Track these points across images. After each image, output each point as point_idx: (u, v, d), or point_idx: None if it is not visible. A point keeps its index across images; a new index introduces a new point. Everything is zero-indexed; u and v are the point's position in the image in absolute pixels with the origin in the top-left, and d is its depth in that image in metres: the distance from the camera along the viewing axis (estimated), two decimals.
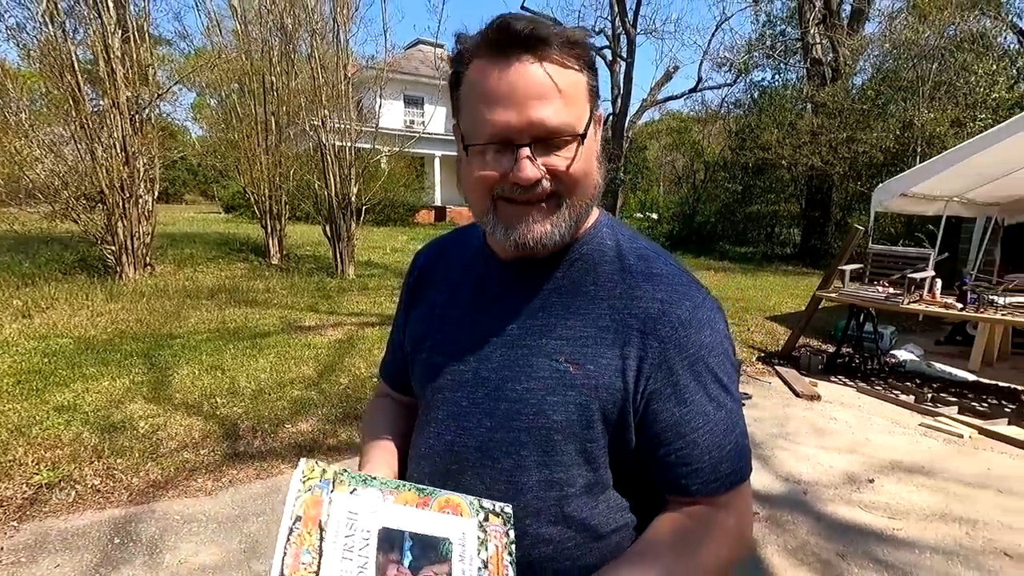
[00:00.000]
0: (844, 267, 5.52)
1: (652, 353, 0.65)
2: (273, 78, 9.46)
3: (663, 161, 28.10)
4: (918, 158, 10.47)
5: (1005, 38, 15.04)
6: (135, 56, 7.32)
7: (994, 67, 11.90)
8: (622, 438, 0.68)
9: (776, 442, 3.66)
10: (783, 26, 17.15)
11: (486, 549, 0.60)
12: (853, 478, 3.20)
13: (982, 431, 3.84)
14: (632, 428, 0.67)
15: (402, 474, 0.83)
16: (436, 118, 20.91)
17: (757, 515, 2.79)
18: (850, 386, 4.86)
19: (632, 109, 20.28)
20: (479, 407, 0.71)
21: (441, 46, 17.84)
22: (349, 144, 8.60)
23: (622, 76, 19.70)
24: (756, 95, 17.52)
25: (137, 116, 7.42)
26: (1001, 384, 4.90)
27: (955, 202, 6.52)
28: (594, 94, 0.66)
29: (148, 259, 7.74)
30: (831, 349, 5.58)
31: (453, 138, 0.69)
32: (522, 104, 0.60)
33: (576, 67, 0.63)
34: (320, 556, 0.52)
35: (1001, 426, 3.91)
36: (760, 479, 3.16)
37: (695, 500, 0.68)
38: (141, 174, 7.41)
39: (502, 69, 0.60)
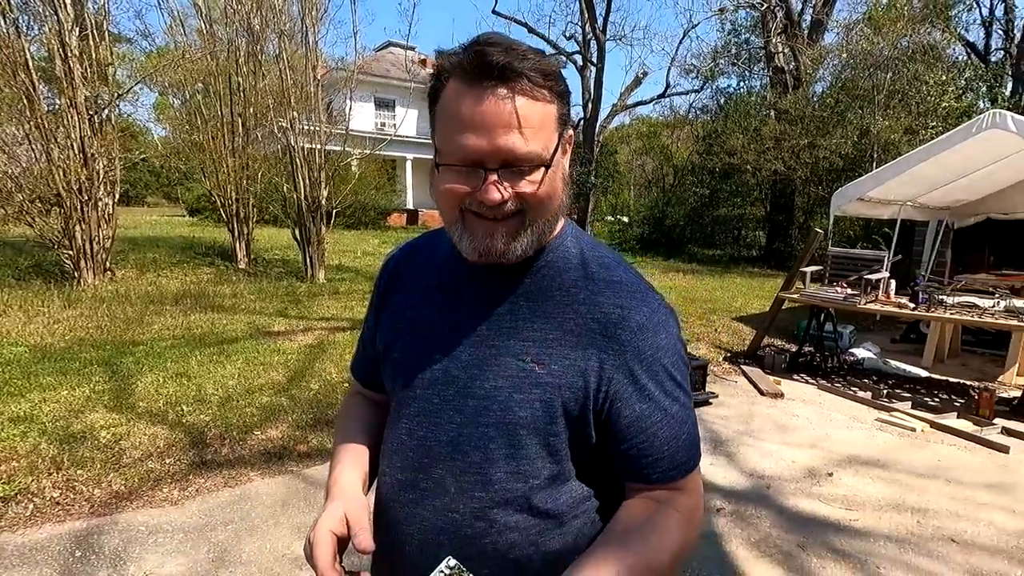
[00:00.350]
0: (805, 269, 5.72)
1: (613, 355, 0.71)
2: (240, 79, 9.28)
3: (633, 165, 28.50)
4: (874, 164, 10.89)
5: (954, 50, 15.81)
6: (94, 54, 7.09)
7: (944, 77, 12.48)
8: (583, 433, 0.73)
9: (742, 439, 3.78)
10: (747, 35, 17.65)
11: None
12: (813, 472, 3.32)
13: (933, 424, 4.03)
14: (592, 424, 0.72)
15: (374, 470, 0.86)
16: (407, 121, 20.77)
17: (723, 510, 2.87)
18: (811, 384, 5.03)
19: (603, 114, 20.55)
20: (449, 404, 0.74)
21: (412, 48, 17.79)
22: (319, 146, 8.50)
23: (592, 81, 19.95)
24: (722, 101, 17.97)
25: (96, 116, 7.19)
26: (951, 380, 5.15)
27: (909, 206, 6.81)
28: (563, 121, 0.70)
29: (108, 264, 7.49)
30: (794, 348, 5.77)
31: (426, 141, 0.76)
32: (493, 133, 0.64)
33: (547, 99, 0.67)
34: None
35: (950, 419, 4.11)
36: (726, 475, 3.26)
37: (654, 487, 0.73)
38: (101, 176, 7.18)
39: (476, 97, 0.64)
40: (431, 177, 0.77)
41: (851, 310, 5.23)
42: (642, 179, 26.32)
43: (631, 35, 39.63)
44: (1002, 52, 17.39)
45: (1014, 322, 4.37)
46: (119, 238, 8.43)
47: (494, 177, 0.65)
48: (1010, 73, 16.47)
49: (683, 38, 34.90)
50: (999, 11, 17.64)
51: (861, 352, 5.80)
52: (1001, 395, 4.51)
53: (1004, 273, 6.92)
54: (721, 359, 5.67)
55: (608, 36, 19.81)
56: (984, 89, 14.15)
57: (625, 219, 20.65)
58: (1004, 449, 3.63)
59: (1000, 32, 17.89)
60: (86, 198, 6.94)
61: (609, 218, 23.06)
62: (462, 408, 0.73)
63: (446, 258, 0.81)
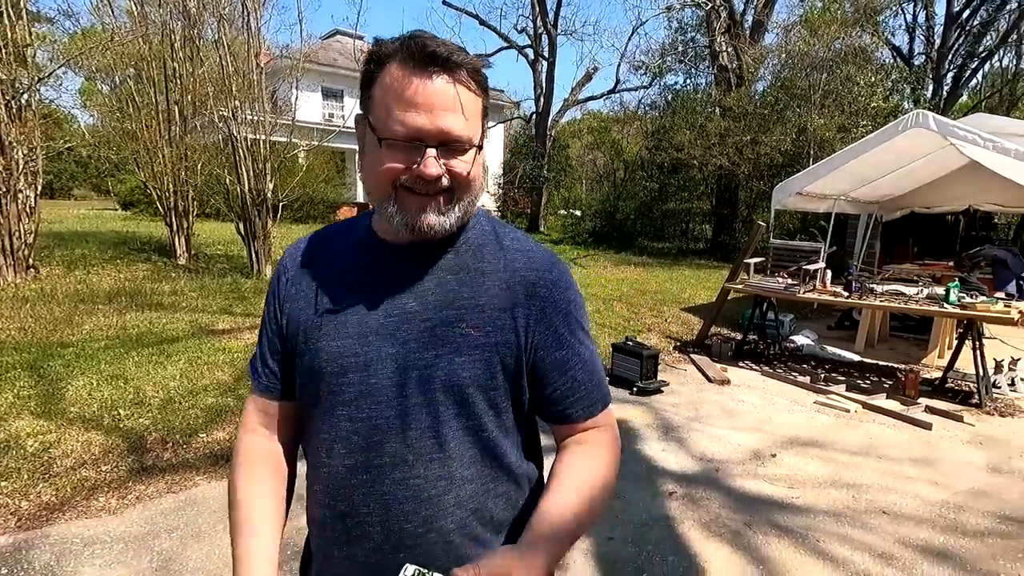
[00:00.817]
0: (749, 260, 5.96)
1: (535, 311, 0.81)
2: (176, 64, 8.79)
3: (585, 160, 28.88)
4: (811, 160, 11.45)
5: (882, 53, 16.77)
6: (10, 34, 6.55)
7: (873, 79, 13.24)
8: (519, 385, 0.82)
9: (692, 425, 3.91)
10: (693, 33, 18.11)
11: None
12: (758, 454, 3.48)
13: (865, 405, 4.30)
14: (524, 375, 0.82)
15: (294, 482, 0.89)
16: (357, 112, 20.29)
17: (675, 493, 2.97)
18: (756, 370, 5.26)
19: (555, 108, 20.71)
20: (391, 380, 0.77)
21: (361, 38, 17.31)
22: (263, 137, 8.17)
23: (544, 75, 20.05)
24: (669, 98, 18.40)
25: (14, 101, 6.65)
26: (881, 363, 5.50)
27: (842, 200, 7.20)
28: (485, 114, 0.79)
29: (31, 261, 6.97)
30: (739, 337, 6.01)
31: None
32: (435, 113, 0.71)
33: (478, 92, 0.75)
34: None
35: (880, 400, 4.39)
36: (678, 460, 3.37)
37: (578, 425, 0.85)
38: (21, 166, 6.65)
39: (422, 80, 0.70)
40: (359, 160, 0.80)
41: (791, 299, 5.50)
42: (594, 173, 26.71)
43: (582, 30, 40.13)
44: (924, 56, 18.59)
45: (935, 308, 4.70)
46: (43, 233, 7.86)
47: (434, 152, 0.72)
48: (931, 76, 17.65)
49: (632, 35, 35.63)
50: (921, 18, 18.85)
51: (800, 339, 6.11)
52: (924, 376, 4.85)
53: (926, 263, 7.44)
54: (671, 348, 5.85)
55: (559, 31, 19.95)
56: (908, 91, 15.10)
57: (578, 213, 20.93)
58: (927, 426, 3.90)
59: (922, 37, 19.12)
60: (4, 189, 6.42)
61: (562, 212, 23.30)
62: (405, 382, 0.77)
63: (362, 242, 0.85)
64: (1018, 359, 4.86)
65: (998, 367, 4.81)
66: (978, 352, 4.37)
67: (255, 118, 8.11)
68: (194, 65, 8.82)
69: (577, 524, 0.76)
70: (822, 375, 5.05)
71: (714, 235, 16.35)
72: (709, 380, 4.91)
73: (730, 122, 14.09)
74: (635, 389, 4.47)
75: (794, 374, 5.11)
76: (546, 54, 19.73)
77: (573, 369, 0.83)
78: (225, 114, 7.88)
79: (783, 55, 14.74)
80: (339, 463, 0.79)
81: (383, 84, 0.72)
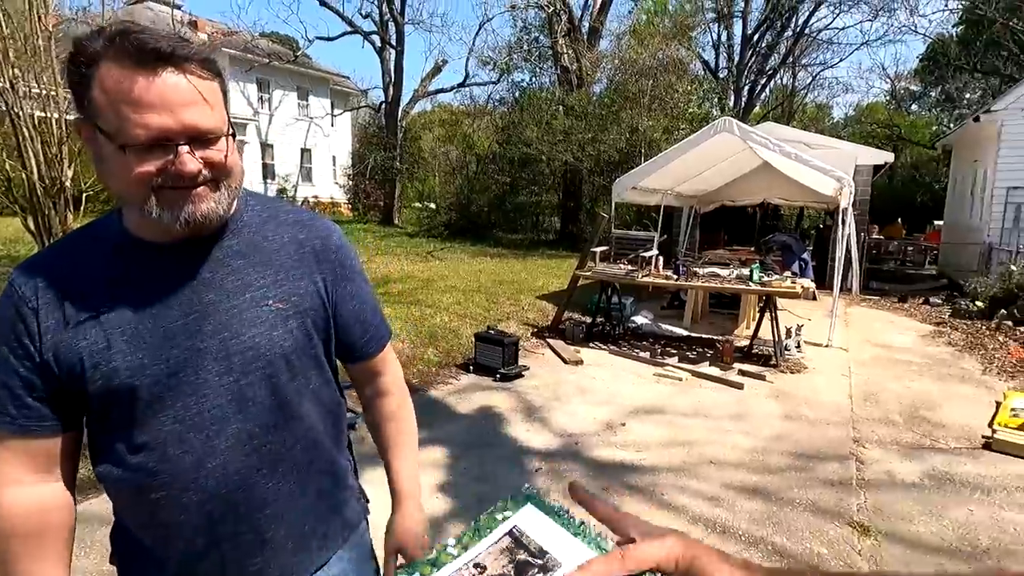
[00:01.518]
0: (594, 249, 6.48)
1: (329, 273, 0.90)
2: None
3: (438, 152, 28.81)
4: (643, 158, 12.72)
5: (695, 65, 19.13)
6: None
7: (689, 88, 15.07)
8: (329, 337, 0.92)
9: (552, 404, 4.17)
10: (537, 33, 18.98)
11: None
12: (610, 425, 3.84)
13: (694, 374, 4.94)
14: (332, 328, 0.92)
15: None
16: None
17: (540, 469, 3.16)
18: (604, 349, 5.76)
19: (405, 98, 20.34)
20: (210, 373, 0.78)
21: (178, 7, 15.35)
22: (55, 115, 6.87)
23: (393, 64, 19.57)
24: (517, 95, 19.12)
25: None
26: (704, 336, 6.35)
27: (669, 195, 8.13)
28: (226, 96, 0.79)
29: None
30: (589, 320, 6.51)
31: None
32: (176, 111, 0.69)
33: (212, 76, 0.74)
34: None
35: (705, 367, 5.08)
36: (541, 438, 3.58)
37: (375, 358, 1.01)
38: None
39: (148, 79, 0.68)
40: (97, 165, 0.75)
41: (631, 283, 6.10)
42: (447, 166, 26.78)
43: (430, 21, 39.74)
44: (727, 70, 21.62)
45: (742, 287, 5.56)
46: None
47: (187, 149, 0.71)
48: (732, 88, 20.58)
49: (479, 30, 36.01)
50: (724, 37, 21.88)
51: (640, 319, 6.80)
52: (737, 345, 5.71)
53: (734, 249, 8.73)
54: (529, 335, 6.15)
55: (406, 19, 19.58)
56: (716, 99, 17.46)
57: (432, 205, 20.83)
58: (740, 386, 4.62)
59: (725, 54, 22.21)
60: None
61: (417, 204, 23.04)
62: (229, 369, 0.79)
63: (123, 247, 0.79)
64: (801, 325, 5.93)
65: (788, 333, 5.83)
66: (773, 322, 5.26)
67: (43, 91, 6.79)
68: None
69: (416, 457, 1.04)
70: (659, 350, 5.70)
71: (562, 227, 17.40)
72: (564, 362, 5.26)
73: (573, 120, 15.06)
74: (498, 376, 4.64)
75: (636, 351, 5.69)
76: (393, 42, 19.26)
77: (366, 314, 0.96)
78: (1, 84, 6.49)
79: (616, 61, 16.11)
80: (177, 465, 0.77)
81: (104, 87, 0.68)
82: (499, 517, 0.56)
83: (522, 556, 0.52)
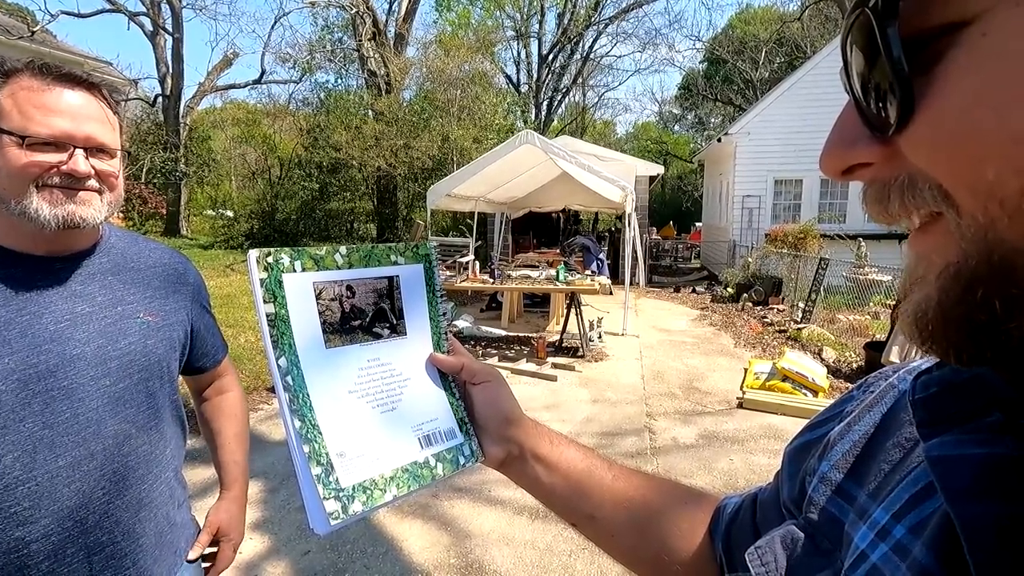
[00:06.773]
0: None
1: (188, 294, 1.01)
2: None
3: (233, 154, 25.95)
4: (455, 166, 13.05)
5: (499, 79, 20.25)
6: None
7: (495, 100, 15.89)
8: (184, 352, 1.03)
9: None
10: (341, 34, 18.28)
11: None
12: None
13: (513, 371, 5.22)
14: (188, 343, 1.03)
15: None
16: None
17: None
18: None
19: (188, 92, 17.96)
20: (86, 376, 0.82)
21: None
22: None
23: (170, 53, 17.15)
24: (323, 96, 18.18)
25: None
26: (520, 334, 6.74)
27: (482, 201, 8.47)
28: (123, 129, 0.90)
29: None
30: None
31: None
32: (81, 121, 0.79)
33: (113, 108, 0.86)
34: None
35: (522, 364, 5.40)
36: None
37: (216, 370, 1.13)
38: None
39: (61, 91, 0.78)
40: None
41: (451, 288, 6.21)
42: (245, 170, 24.26)
43: (214, 7, 35.64)
44: (527, 86, 23.29)
45: (551, 287, 6.04)
46: None
47: (83, 153, 0.78)
48: (533, 102, 22.24)
49: (274, 24, 33.41)
50: (523, 55, 23.53)
51: (461, 323, 6.96)
52: (549, 340, 6.18)
53: (542, 251, 9.44)
54: None
55: (184, 3, 17.32)
56: (519, 112, 18.70)
57: (229, 213, 18.75)
58: (553, 379, 5.00)
59: (525, 71, 23.90)
60: None
61: (209, 212, 20.52)
62: (105, 374, 0.84)
63: None
64: (601, 318, 6.65)
65: (591, 326, 6.49)
66: (579, 317, 5.82)
67: None
68: None
69: (244, 452, 1.16)
70: (480, 351, 5.89)
71: (379, 234, 17.02)
72: None
73: (384, 126, 14.83)
74: None
75: None
76: (170, 27, 16.86)
77: (209, 334, 1.09)
78: None
79: (424, 69, 16.28)
80: (50, 466, 0.78)
81: (15, 95, 0.76)
82: (393, 258, 0.56)
83: (386, 305, 0.54)
